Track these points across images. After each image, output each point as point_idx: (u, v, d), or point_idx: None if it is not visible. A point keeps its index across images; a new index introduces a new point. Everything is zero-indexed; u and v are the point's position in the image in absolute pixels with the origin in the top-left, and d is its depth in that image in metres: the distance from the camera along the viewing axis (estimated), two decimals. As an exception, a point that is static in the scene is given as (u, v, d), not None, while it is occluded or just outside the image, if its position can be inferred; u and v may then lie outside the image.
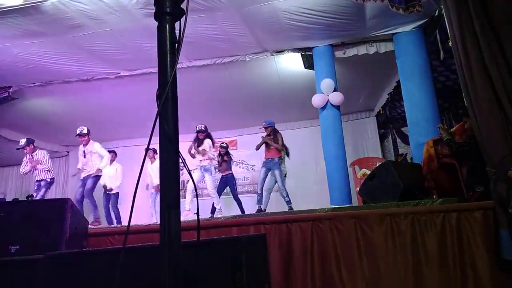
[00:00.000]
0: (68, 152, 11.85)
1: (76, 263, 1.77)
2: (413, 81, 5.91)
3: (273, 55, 6.72)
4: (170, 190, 0.96)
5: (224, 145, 8.06)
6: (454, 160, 4.00)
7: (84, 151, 6.50)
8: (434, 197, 4.13)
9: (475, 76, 3.04)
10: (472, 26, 3.10)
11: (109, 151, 8.10)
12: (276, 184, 6.51)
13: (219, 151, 7.72)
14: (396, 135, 10.08)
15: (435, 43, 5.84)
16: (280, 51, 6.66)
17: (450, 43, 4.16)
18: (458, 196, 3.64)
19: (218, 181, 7.52)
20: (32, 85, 7.38)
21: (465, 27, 3.20)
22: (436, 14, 5.58)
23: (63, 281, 1.90)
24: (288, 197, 6.36)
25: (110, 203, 7.66)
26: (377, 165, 6.34)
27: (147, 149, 1.02)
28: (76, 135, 6.47)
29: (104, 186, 7.66)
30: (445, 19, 3.81)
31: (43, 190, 6.60)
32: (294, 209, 6.79)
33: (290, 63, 7.19)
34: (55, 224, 2.75)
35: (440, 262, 2.86)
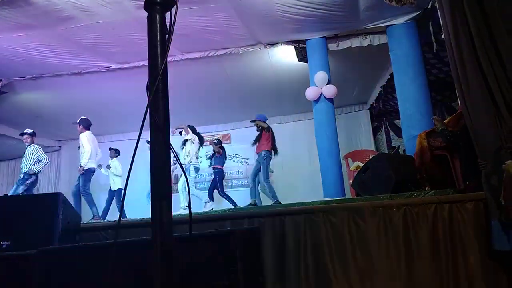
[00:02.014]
0: (60, 146, 11.74)
1: (69, 258, 1.76)
2: (406, 74, 5.92)
3: (266, 47, 6.68)
4: (161, 182, 0.95)
5: (215, 141, 8.06)
6: (446, 152, 4.03)
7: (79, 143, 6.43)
8: (427, 189, 4.17)
9: (467, 68, 3.05)
10: (465, 18, 3.11)
11: (111, 148, 8.13)
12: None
13: (213, 148, 7.78)
14: (389, 128, 10.13)
15: (428, 35, 5.85)
16: (273, 44, 6.63)
17: (443, 35, 4.17)
18: (450, 187, 3.68)
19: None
20: (23, 78, 7.27)
21: (458, 19, 3.20)
22: (429, 6, 5.58)
23: (56, 275, 1.88)
24: (272, 192, 6.26)
25: (114, 199, 7.69)
26: (370, 158, 6.38)
27: (138, 141, 1.01)
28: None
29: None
30: (438, 11, 3.81)
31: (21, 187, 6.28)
32: (288, 202, 6.80)
33: (284, 56, 7.17)
34: (48, 219, 2.72)
35: (432, 252, 2.89)
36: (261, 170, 6.35)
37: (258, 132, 6.52)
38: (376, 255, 2.96)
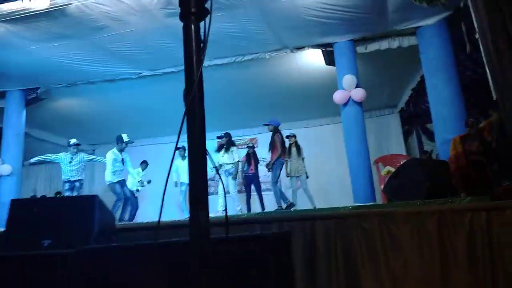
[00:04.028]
0: (94, 150, 12.13)
1: (107, 257, 1.83)
2: (438, 76, 5.76)
3: (293, 51, 6.68)
4: (198, 187, 0.97)
5: (251, 144, 8.19)
6: (482, 157, 3.89)
7: (123, 159, 6.83)
8: (462, 195, 4.03)
9: (505, 66, 2.93)
10: (501, 15, 2.99)
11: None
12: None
13: (249, 152, 7.90)
14: (420, 132, 9.85)
15: (461, 35, 5.67)
16: (300, 48, 6.62)
17: (476, 35, 4.03)
18: (487, 194, 3.53)
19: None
20: (59, 86, 7.60)
21: (493, 17, 3.09)
22: (461, 5, 5.41)
23: (94, 274, 1.95)
24: (277, 197, 6.71)
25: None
26: (401, 163, 6.23)
27: (176, 148, 1.04)
28: (127, 143, 6.85)
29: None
30: (471, 9, 3.70)
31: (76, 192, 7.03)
32: (317, 207, 6.88)
33: (311, 60, 7.14)
34: (85, 220, 2.82)
35: (469, 262, 2.78)
36: (272, 174, 6.84)
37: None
38: (410, 262, 2.88)
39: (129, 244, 1.94)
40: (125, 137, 6.75)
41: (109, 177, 6.65)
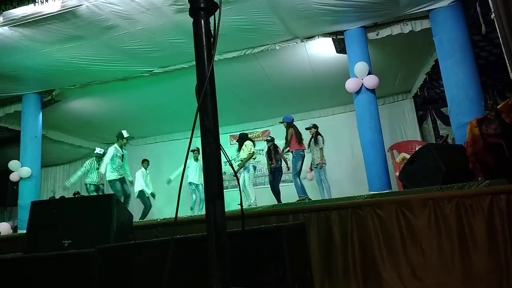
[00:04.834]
0: (108, 149, 12.31)
1: (127, 254, 1.86)
2: (452, 59, 5.62)
3: (303, 41, 6.61)
4: (213, 182, 0.98)
5: (269, 138, 8.21)
6: (501, 140, 3.80)
7: (123, 155, 7.07)
8: (480, 179, 3.96)
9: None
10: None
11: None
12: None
13: (268, 145, 7.93)
14: (435, 116, 9.68)
15: (476, 16, 5.51)
16: (310, 37, 6.54)
17: (492, 15, 3.92)
18: (506, 177, 3.46)
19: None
20: (73, 87, 7.71)
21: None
22: (475, -14, 5.26)
23: (114, 272, 2.00)
24: (298, 188, 6.85)
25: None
26: (416, 149, 6.15)
27: (189, 147, 1.05)
28: (128, 139, 7.12)
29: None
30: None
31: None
32: (332, 197, 6.88)
33: (321, 49, 7.06)
34: (103, 219, 2.88)
35: (489, 246, 2.74)
36: (292, 166, 6.97)
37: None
38: (428, 249, 2.86)
39: (148, 241, 1.98)
40: (125, 133, 6.97)
41: (110, 173, 6.81)
